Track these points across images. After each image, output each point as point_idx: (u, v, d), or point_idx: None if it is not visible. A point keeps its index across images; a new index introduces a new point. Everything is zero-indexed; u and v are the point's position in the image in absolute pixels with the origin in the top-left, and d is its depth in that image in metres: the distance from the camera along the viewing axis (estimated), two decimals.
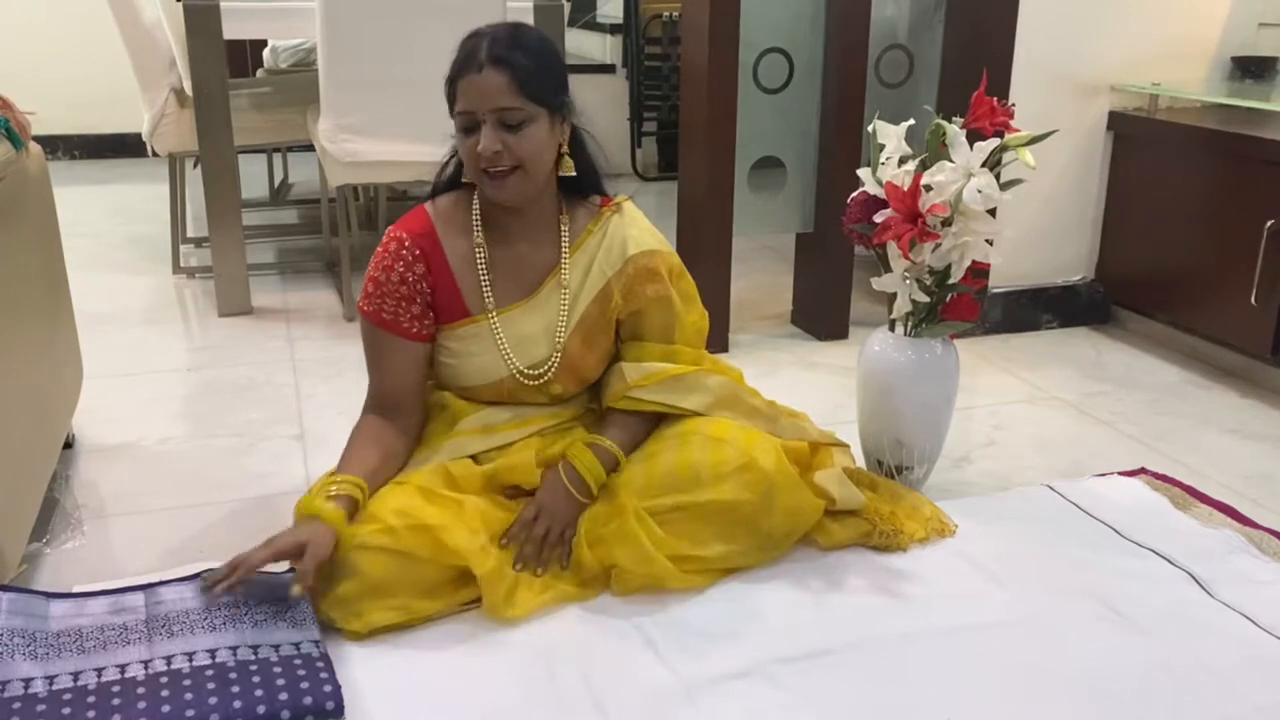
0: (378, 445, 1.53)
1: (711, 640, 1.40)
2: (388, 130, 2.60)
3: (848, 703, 1.31)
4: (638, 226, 1.62)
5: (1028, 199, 2.51)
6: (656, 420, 1.63)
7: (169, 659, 1.27)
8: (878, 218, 1.68)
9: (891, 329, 1.80)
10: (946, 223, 1.64)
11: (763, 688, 1.32)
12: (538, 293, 1.58)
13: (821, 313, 2.67)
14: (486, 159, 1.46)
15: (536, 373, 1.59)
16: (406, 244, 1.55)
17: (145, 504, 1.80)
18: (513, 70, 1.44)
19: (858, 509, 1.64)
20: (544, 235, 1.59)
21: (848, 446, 1.72)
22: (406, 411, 1.58)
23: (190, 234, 3.29)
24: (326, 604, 1.40)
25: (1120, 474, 1.93)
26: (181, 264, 3.15)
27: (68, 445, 1.95)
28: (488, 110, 1.45)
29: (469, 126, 1.47)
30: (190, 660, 1.27)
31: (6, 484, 1.37)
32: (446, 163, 1.62)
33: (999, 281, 2.67)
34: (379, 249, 1.57)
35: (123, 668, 1.26)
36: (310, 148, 2.95)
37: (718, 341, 2.45)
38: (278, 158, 4.03)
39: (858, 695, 1.32)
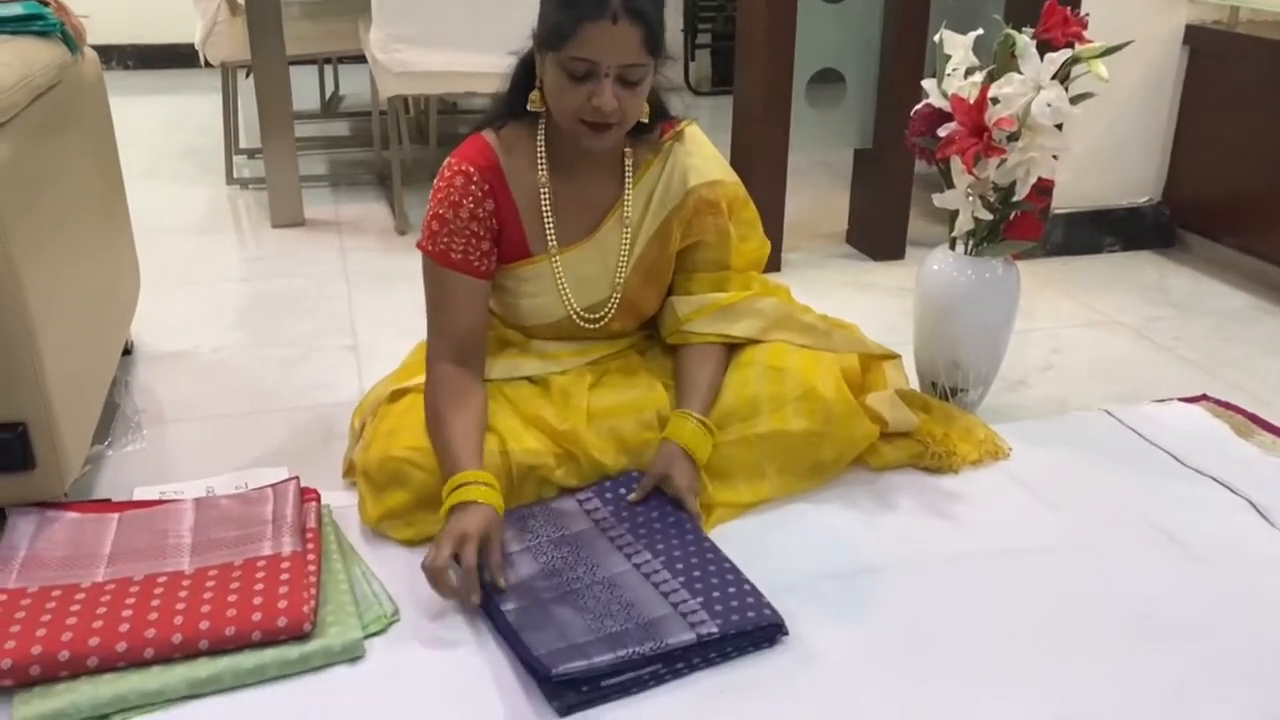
0: (471, 409, 1.42)
1: (758, 554, 1.40)
2: (440, 40, 2.56)
3: (891, 619, 1.31)
4: (699, 155, 1.55)
5: (1096, 116, 2.41)
6: (729, 351, 1.60)
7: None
8: (942, 131, 1.63)
9: (952, 248, 1.76)
10: (1013, 137, 1.58)
11: (808, 602, 1.32)
12: (599, 230, 1.52)
13: (877, 232, 2.62)
14: (602, 114, 1.35)
15: (595, 315, 1.56)
16: (475, 178, 1.45)
17: (202, 410, 1.83)
18: (647, 25, 1.33)
19: (910, 431, 1.63)
20: (607, 169, 1.52)
21: (900, 358, 1.69)
22: (479, 353, 1.51)
23: (243, 145, 3.30)
24: (378, 516, 1.42)
25: (1180, 400, 1.89)
26: (235, 175, 3.16)
27: (126, 352, 1.98)
28: (615, 65, 1.33)
29: (583, 74, 1.33)
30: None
31: (70, 386, 1.40)
32: (510, 88, 1.49)
33: (1061, 203, 2.60)
34: (440, 183, 1.46)
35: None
36: (361, 60, 2.92)
37: (770, 261, 2.40)
38: (329, 70, 4.01)
39: (901, 613, 1.32)
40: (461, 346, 1.48)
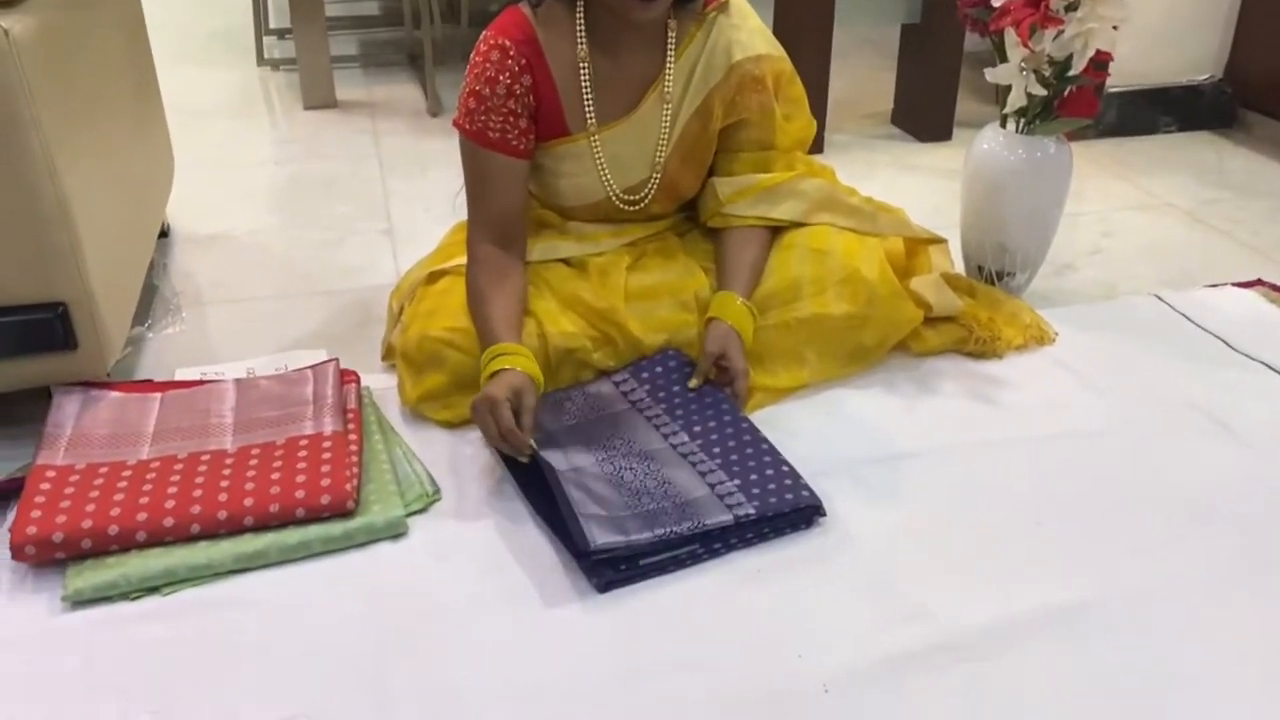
0: (513, 289, 1.41)
1: (797, 438, 1.39)
2: None
3: (930, 503, 1.30)
4: (745, 28, 1.48)
5: None
6: (772, 235, 1.56)
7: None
8: (996, 2, 1.55)
9: (1003, 126, 1.70)
10: (1071, 7, 1.51)
11: (846, 485, 1.32)
12: (639, 107, 1.47)
13: (924, 112, 2.54)
14: None
15: (634, 197, 1.52)
16: (512, 53, 1.40)
17: (240, 293, 1.83)
18: None
19: (954, 315, 1.59)
20: (649, 43, 1.46)
21: (946, 242, 1.65)
22: (518, 234, 1.48)
23: (273, 25, 3.23)
24: (417, 397, 1.42)
25: (1234, 285, 1.83)
26: (265, 56, 3.11)
27: (163, 235, 1.98)
28: None
29: None
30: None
31: (109, 268, 1.40)
32: None
33: (1116, 81, 2.49)
34: (476, 58, 1.41)
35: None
36: None
37: (813, 142, 2.34)
38: None
39: (941, 497, 1.31)
40: (501, 227, 1.45)
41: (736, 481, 1.26)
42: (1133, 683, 1.05)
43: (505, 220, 1.45)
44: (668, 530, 1.17)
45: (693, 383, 1.42)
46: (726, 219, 1.55)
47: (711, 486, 1.25)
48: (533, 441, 1.27)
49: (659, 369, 1.45)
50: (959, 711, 1.01)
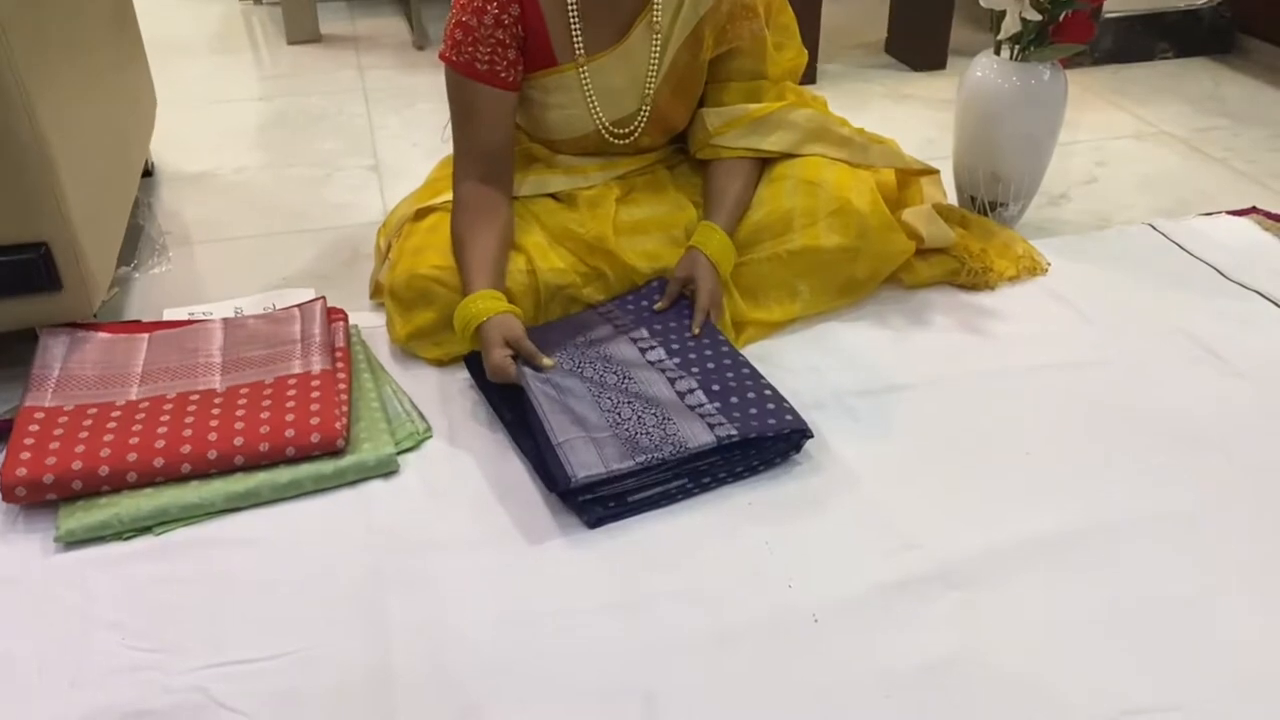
0: (494, 228, 1.39)
1: (787, 372, 1.39)
2: None
3: (922, 434, 1.30)
4: None
5: None
6: (760, 166, 1.54)
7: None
8: None
9: (997, 53, 1.67)
10: None
11: (837, 417, 1.32)
12: (628, 37, 1.44)
13: (918, 40, 2.50)
14: None
15: (624, 130, 1.50)
16: None
17: (227, 231, 1.81)
18: None
19: (946, 247, 1.58)
20: None
21: (938, 173, 1.63)
22: (505, 169, 1.46)
23: None
24: (406, 335, 1.41)
25: (1229, 213, 1.82)
26: None
27: (147, 173, 1.95)
28: None
29: None
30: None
31: (91, 206, 1.38)
32: None
33: (1113, 6, 2.45)
34: None
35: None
36: None
37: (805, 73, 2.31)
38: None
39: (933, 428, 1.31)
40: (488, 162, 1.43)
41: (717, 404, 1.25)
42: (1122, 610, 1.06)
43: (492, 155, 1.43)
44: (649, 457, 1.16)
45: (659, 305, 1.42)
46: (716, 150, 1.53)
47: (691, 407, 1.24)
48: (546, 360, 1.27)
49: (644, 301, 1.44)
50: (948, 639, 1.03)
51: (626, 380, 1.28)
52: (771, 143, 1.52)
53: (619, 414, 1.22)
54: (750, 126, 1.52)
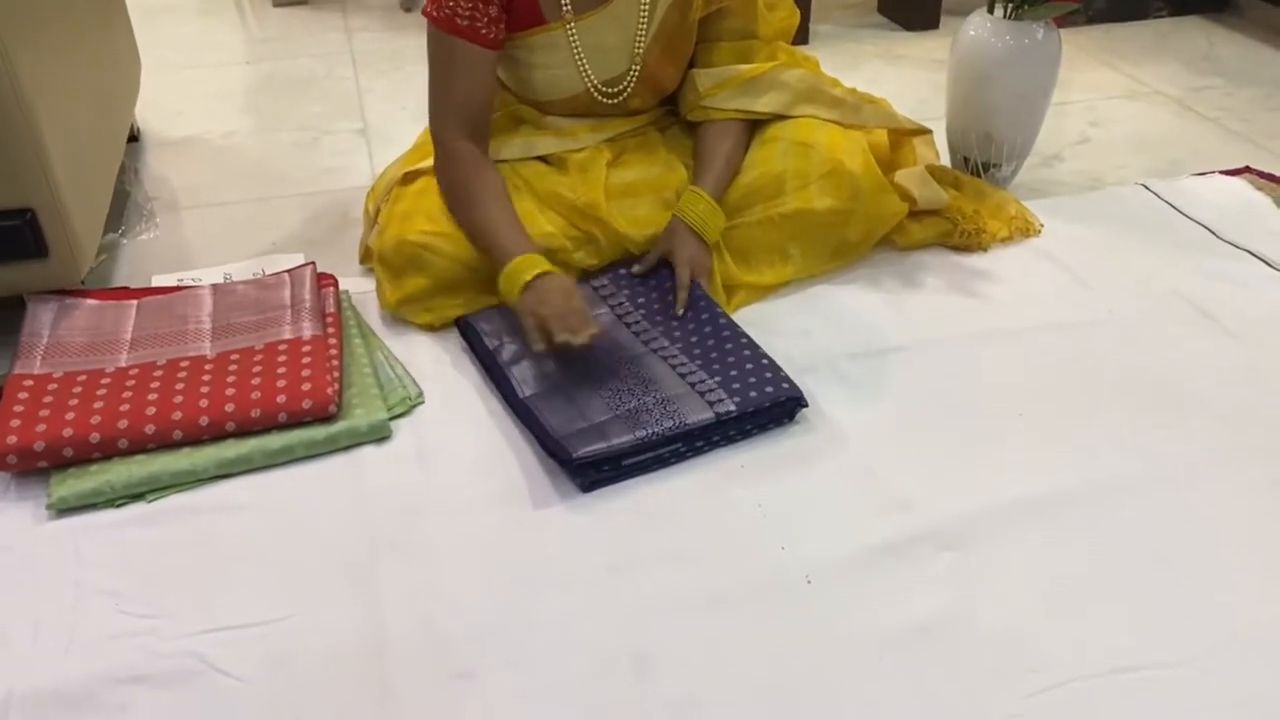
0: (497, 183, 1.38)
1: (780, 335, 1.39)
2: None
3: (914, 396, 1.30)
4: None
5: None
6: (751, 128, 1.53)
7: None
8: None
9: (990, 11, 1.66)
10: None
11: (830, 381, 1.32)
12: None
13: (911, 0, 2.47)
14: None
15: (614, 90, 1.48)
16: None
17: (215, 197, 1.79)
18: None
19: (939, 208, 1.58)
20: None
21: (931, 133, 1.62)
22: (486, 130, 1.45)
23: None
24: (396, 301, 1.40)
25: (1222, 173, 1.81)
26: None
27: (133, 138, 1.93)
28: None
29: None
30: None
31: (76, 171, 1.36)
32: None
33: None
34: None
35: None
36: None
37: (797, 33, 2.29)
38: None
39: (926, 389, 1.31)
40: (469, 122, 1.41)
41: (717, 379, 1.25)
42: (1112, 568, 1.07)
43: (477, 113, 1.42)
44: (649, 432, 1.17)
45: (635, 269, 1.43)
46: (706, 112, 1.51)
47: (691, 385, 1.25)
48: (595, 328, 1.25)
49: (639, 284, 1.44)
50: (941, 599, 1.03)
51: (629, 369, 1.28)
52: (763, 104, 1.51)
53: (619, 398, 1.23)
54: (741, 88, 1.50)
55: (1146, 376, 1.33)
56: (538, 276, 1.27)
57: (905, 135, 1.60)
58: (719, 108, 1.50)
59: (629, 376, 1.27)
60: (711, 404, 1.21)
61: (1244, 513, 1.14)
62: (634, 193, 1.48)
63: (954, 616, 1.01)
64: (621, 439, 1.16)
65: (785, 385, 1.24)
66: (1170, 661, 0.97)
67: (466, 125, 1.41)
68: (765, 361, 1.27)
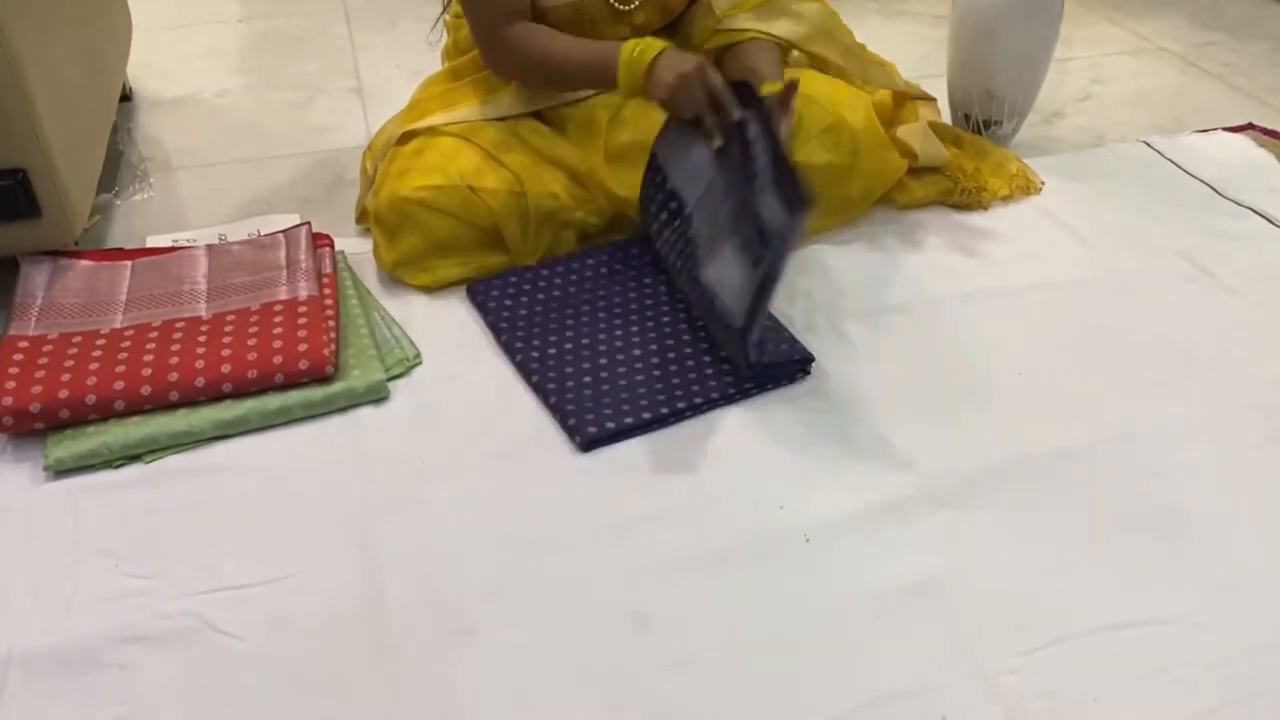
0: (565, 36, 1.38)
1: (778, 295, 1.37)
2: None
3: (915, 355, 1.30)
4: None
5: None
6: (782, 52, 1.49)
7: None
8: None
9: None
10: None
11: (830, 340, 1.31)
12: None
13: None
14: None
15: None
16: None
17: (209, 157, 1.78)
18: None
19: (940, 165, 1.56)
20: None
21: (934, 100, 1.61)
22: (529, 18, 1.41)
23: None
24: (393, 261, 1.39)
25: (1225, 129, 1.80)
26: None
27: (125, 98, 1.91)
28: None
29: None
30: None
31: (68, 131, 1.35)
32: None
33: None
34: None
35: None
36: None
37: None
38: None
39: (926, 348, 1.31)
40: (520, 12, 1.38)
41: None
42: (1112, 528, 1.07)
43: (519, 7, 1.37)
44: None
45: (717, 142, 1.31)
46: (726, 35, 1.48)
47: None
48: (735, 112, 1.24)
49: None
50: (940, 558, 1.03)
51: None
52: (778, 28, 1.47)
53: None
54: (758, 11, 1.47)
55: (1147, 334, 1.33)
56: (660, 54, 1.26)
57: (909, 99, 1.58)
58: (738, 29, 1.46)
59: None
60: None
61: (1243, 469, 1.14)
62: (630, 155, 1.46)
63: (952, 574, 1.01)
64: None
65: (786, 346, 1.23)
66: (1167, 618, 0.98)
67: (517, 15, 1.38)
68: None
